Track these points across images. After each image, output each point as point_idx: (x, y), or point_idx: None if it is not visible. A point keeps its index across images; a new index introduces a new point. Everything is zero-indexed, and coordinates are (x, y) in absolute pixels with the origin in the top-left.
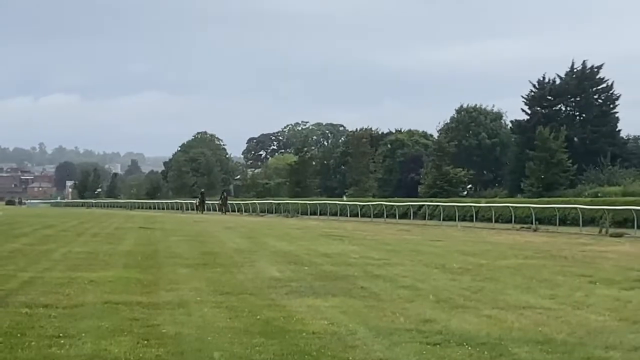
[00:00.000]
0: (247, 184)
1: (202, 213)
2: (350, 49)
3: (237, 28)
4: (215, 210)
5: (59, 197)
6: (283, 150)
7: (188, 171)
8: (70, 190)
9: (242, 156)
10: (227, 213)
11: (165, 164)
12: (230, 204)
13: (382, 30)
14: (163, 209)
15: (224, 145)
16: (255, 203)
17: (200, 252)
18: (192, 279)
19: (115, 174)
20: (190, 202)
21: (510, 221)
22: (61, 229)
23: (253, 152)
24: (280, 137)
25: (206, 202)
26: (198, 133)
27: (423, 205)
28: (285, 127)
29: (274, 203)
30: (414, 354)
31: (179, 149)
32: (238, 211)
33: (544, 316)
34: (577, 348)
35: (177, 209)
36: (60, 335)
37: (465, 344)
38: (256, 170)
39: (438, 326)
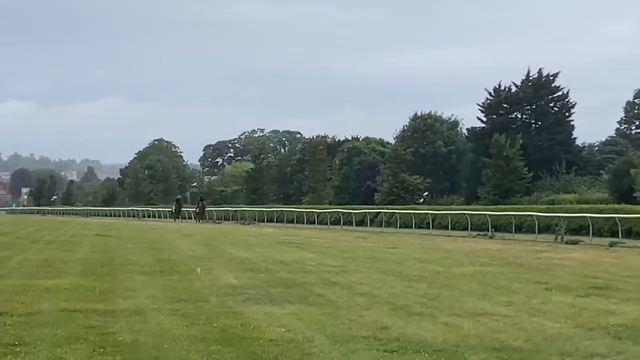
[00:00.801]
0: (204, 191)
1: (176, 221)
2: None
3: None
4: (191, 219)
5: (14, 205)
6: (240, 158)
7: (144, 178)
8: (25, 197)
9: (198, 163)
10: (202, 221)
11: (121, 171)
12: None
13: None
14: (119, 216)
15: (180, 152)
16: (212, 210)
17: (156, 259)
18: (149, 287)
19: (72, 181)
20: (146, 210)
21: (466, 228)
22: (16, 236)
23: (210, 160)
24: (237, 145)
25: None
26: (155, 140)
27: (380, 212)
28: (242, 134)
29: (231, 210)
30: None
31: (136, 156)
32: (194, 219)
33: (500, 323)
34: (533, 355)
35: (134, 216)
36: (16, 343)
37: (422, 351)
38: (213, 178)
39: (395, 333)
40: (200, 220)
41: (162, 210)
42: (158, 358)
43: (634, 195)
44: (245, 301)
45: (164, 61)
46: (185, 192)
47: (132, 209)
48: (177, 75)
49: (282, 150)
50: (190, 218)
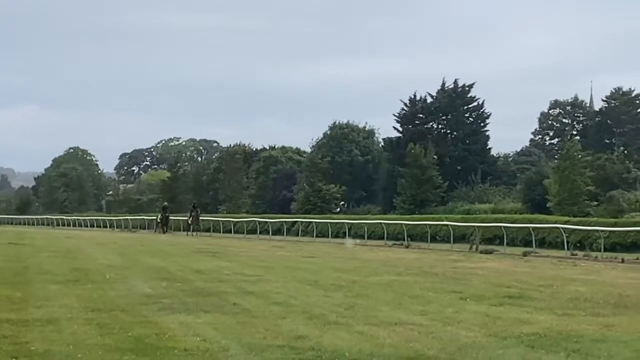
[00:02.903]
0: (120, 199)
1: (164, 232)
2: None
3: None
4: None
5: None
6: (156, 166)
7: (59, 187)
8: None
9: (114, 172)
10: (196, 233)
11: (36, 179)
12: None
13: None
14: (34, 224)
15: (96, 160)
16: (127, 219)
17: (71, 268)
18: (63, 296)
19: None
20: (60, 218)
21: (382, 238)
22: None
23: (126, 168)
24: (153, 153)
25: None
26: (70, 148)
27: (296, 221)
28: (158, 143)
29: (147, 219)
30: None
31: (51, 164)
32: (110, 227)
33: (415, 332)
34: None
35: (48, 225)
36: None
37: None
38: (129, 186)
39: (310, 342)
40: (194, 233)
41: (79, 219)
42: None
43: (547, 205)
44: (160, 310)
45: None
46: (100, 200)
47: (47, 217)
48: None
49: (199, 159)
50: (150, 229)
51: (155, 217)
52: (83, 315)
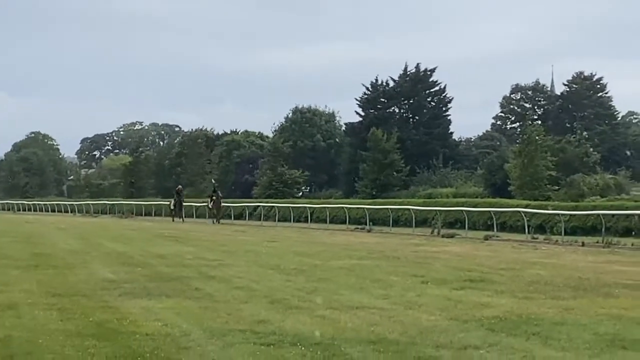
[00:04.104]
0: (81, 184)
1: (179, 219)
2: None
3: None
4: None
5: None
6: (118, 151)
7: (20, 171)
8: None
9: (75, 156)
10: (218, 221)
11: None
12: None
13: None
14: None
15: (57, 145)
16: (89, 204)
17: (31, 253)
18: (23, 281)
19: None
20: (21, 203)
21: (344, 222)
22: None
23: (87, 153)
24: (115, 138)
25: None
26: (31, 133)
27: (259, 206)
28: (120, 128)
29: (108, 204)
30: (247, 354)
31: (11, 148)
32: (71, 212)
33: (376, 316)
34: (408, 347)
35: (9, 210)
36: None
37: (298, 344)
38: (90, 171)
39: (272, 327)
40: (217, 220)
41: (40, 204)
42: (32, 353)
43: (509, 189)
44: (121, 295)
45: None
46: (61, 185)
47: (7, 202)
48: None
49: (161, 144)
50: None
51: (168, 203)
52: (44, 301)
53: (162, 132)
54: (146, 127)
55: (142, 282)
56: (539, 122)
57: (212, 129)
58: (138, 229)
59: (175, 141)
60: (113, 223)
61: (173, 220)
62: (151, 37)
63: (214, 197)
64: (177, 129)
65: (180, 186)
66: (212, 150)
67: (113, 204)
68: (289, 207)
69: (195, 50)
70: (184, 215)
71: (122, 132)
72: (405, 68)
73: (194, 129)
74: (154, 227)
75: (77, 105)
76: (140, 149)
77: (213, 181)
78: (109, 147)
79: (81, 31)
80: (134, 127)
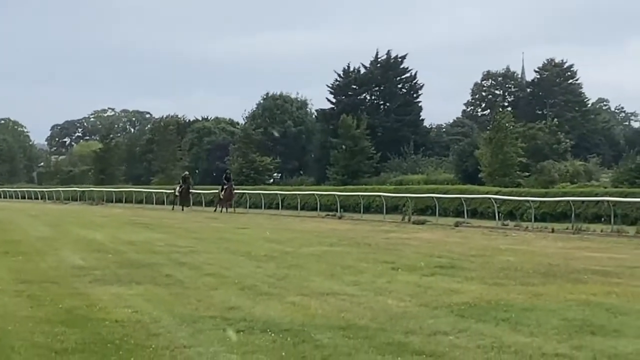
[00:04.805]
0: (51, 171)
1: (185, 207)
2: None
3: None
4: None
5: None
6: (88, 137)
7: None
8: None
9: (45, 143)
10: (225, 209)
11: None
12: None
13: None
14: None
15: (27, 132)
16: (59, 190)
17: (1, 240)
18: None
19: None
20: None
21: (315, 209)
22: None
23: (57, 139)
24: (85, 124)
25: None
26: (1, 119)
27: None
28: (90, 114)
29: (79, 190)
30: (217, 341)
31: None
32: (41, 198)
33: (347, 302)
34: (378, 333)
35: None
36: None
37: (268, 330)
38: (60, 158)
39: (242, 313)
40: (225, 208)
41: (10, 190)
42: (1, 340)
43: (479, 176)
44: (92, 282)
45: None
46: (31, 172)
47: None
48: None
49: (132, 130)
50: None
51: (173, 190)
52: (13, 287)
53: (133, 119)
54: (116, 114)
55: (113, 268)
56: (510, 109)
57: (183, 115)
58: (109, 216)
59: (146, 128)
60: (83, 210)
61: (173, 209)
62: (122, 23)
63: (226, 186)
64: (148, 115)
65: (186, 172)
66: (183, 137)
67: (83, 190)
68: (260, 193)
69: (167, 36)
70: (191, 204)
71: (92, 119)
72: (376, 55)
73: (165, 116)
74: (125, 214)
75: (47, 91)
76: (111, 136)
77: (228, 170)
78: (80, 134)
79: (51, 16)
80: (105, 113)
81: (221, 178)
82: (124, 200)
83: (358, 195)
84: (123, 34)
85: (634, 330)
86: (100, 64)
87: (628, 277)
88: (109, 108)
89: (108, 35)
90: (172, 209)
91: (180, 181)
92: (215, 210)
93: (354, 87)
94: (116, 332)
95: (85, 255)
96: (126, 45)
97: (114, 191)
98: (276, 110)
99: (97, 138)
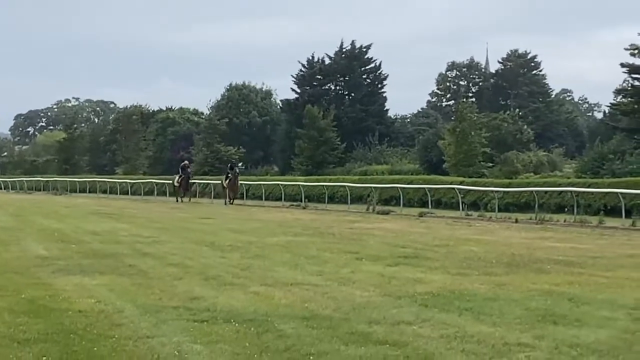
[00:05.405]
0: (15, 161)
1: (184, 198)
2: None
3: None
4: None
5: None
6: (52, 127)
7: None
8: None
9: (9, 132)
10: (232, 201)
11: None
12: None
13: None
14: None
15: None
16: (22, 180)
17: None
18: None
19: None
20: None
21: (280, 199)
22: None
23: (21, 129)
24: (49, 114)
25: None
26: None
27: (194, 183)
28: (54, 104)
29: (42, 180)
30: (180, 331)
31: None
32: (4, 188)
33: (310, 292)
34: (341, 323)
35: None
36: None
37: (232, 320)
38: (24, 147)
39: (206, 303)
40: (231, 201)
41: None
42: None
43: (444, 166)
44: (55, 272)
45: None
46: None
47: None
48: None
49: (96, 120)
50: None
51: (171, 180)
52: None
53: (97, 109)
54: (81, 104)
55: (76, 259)
56: (474, 99)
57: (147, 105)
58: (72, 206)
59: (111, 118)
60: (47, 200)
61: (177, 201)
62: (87, 12)
63: (229, 175)
64: (112, 105)
65: (186, 161)
66: (148, 127)
67: (47, 180)
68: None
69: (131, 25)
70: (191, 195)
71: (56, 109)
72: (341, 45)
73: (129, 106)
74: (89, 204)
75: (10, 81)
76: (75, 126)
77: (233, 159)
78: (43, 124)
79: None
80: (69, 103)
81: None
82: (88, 191)
83: (322, 186)
84: (88, 23)
85: (595, 319)
86: (65, 54)
87: (590, 267)
88: (72, 98)
89: (72, 24)
90: (176, 201)
91: (180, 170)
92: (225, 203)
93: (319, 77)
94: (79, 322)
95: (48, 245)
96: (91, 34)
97: (78, 181)
98: (241, 100)
99: (61, 128)
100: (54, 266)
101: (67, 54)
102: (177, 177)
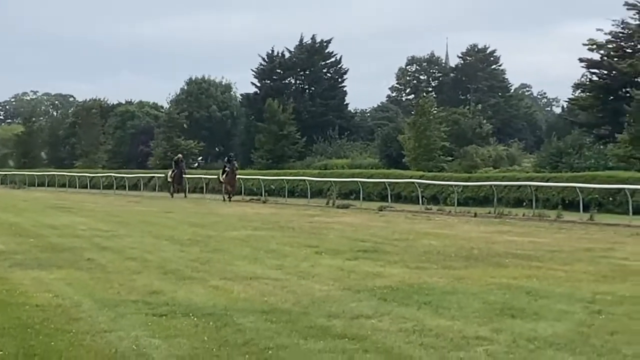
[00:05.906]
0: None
1: (177, 193)
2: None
3: None
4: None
5: None
6: (10, 120)
7: None
8: None
9: None
10: (230, 197)
11: None
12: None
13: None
14: None
15: None
16: None
17: None
18: None
19: None
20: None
21: (240, 193)
22: None
23: None
24: (7, 107)
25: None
26: None
27: (153, 177)
28: (12, 97)
29: (0, 174)
30: (139, 325)
31: None
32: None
33: (270, 286)
34: (301, 317)
35: None
36: None
37: (191, 314)
38: None
39: (165, 297)
40: (229, 197)
41: None
42: None
43: (403, 160)
44: (12, 266)
45: None
46: None
47: None
48: None
49: (55, 114)
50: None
51: (164, 175)
52: None
53: (56, 102)
54: (39, 97)
55: (34, 252)
56: (434, 93)
57: (105, 98)
58: (30, 200)
59: (69, 111)
60: (5, 194)
61: (172, 197)
62: (45, 3)
63: (227, 169)
64: (71, 99)
65: (180, 155)
66: (107, 120)
67: (5, 174)
68: (184, 177)
69: (91, 18)
70: (186, 190)
71: (14, 102)
72: (301, 39)
73: (88, 99)
74: (47, 198)
75: None
76: (33, 119)
77: (231, 153)
78: (1, 117)
79: None
80: (27, 97)
81: (143, 162)
82: (46, 184)
83: (282, 180)
84: (46, 15)
85: (553, 313)
86: (22, 47)
87: (548, 260)
88: (30, 91)
89: (30, 16)
90: (171, 196)
91: (173, 165)
92: (224, 200)
93: (279, 71)
94: (36, 317)
95: (5, 239)
96: (49, 27)
97: (37, 175)
98: (201, 94)
99: (19, 121)
100: (11, 260)
101: (25, 47)
102: (170, 172)
